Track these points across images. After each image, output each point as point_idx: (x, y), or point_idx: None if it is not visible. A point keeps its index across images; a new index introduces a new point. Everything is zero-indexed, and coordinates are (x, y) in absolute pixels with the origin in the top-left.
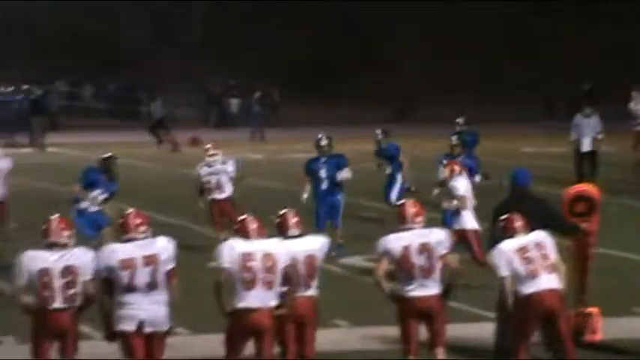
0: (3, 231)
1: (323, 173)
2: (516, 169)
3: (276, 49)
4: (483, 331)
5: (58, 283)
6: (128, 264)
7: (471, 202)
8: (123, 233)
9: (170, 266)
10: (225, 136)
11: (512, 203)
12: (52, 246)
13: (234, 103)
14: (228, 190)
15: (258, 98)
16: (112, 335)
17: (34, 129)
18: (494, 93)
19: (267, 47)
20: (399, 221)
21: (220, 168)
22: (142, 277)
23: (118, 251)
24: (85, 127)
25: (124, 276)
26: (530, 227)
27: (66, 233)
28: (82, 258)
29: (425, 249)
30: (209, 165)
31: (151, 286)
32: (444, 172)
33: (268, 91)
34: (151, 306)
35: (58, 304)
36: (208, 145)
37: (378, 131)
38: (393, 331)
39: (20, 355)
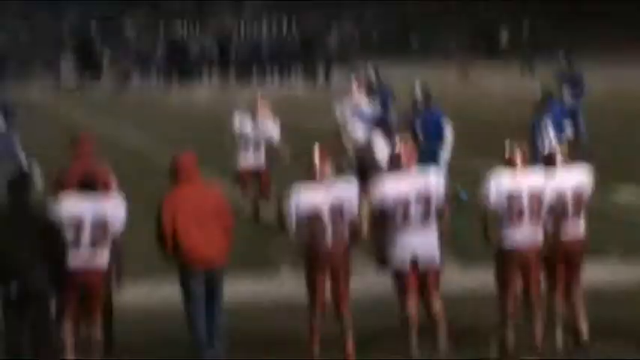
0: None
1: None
2: None
3: None
4: None
5: (327, 218)
6: (401, 200)
7: None
8: (396, 166)
9: (442, 200)
10: None
11: None
12: (317, 182)
13: None
14: None
15: None
16: (383, 269)
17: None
18: None
19: None
20: None
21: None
22: (415, 212)
23: (391, 187)
24: None
25: (397, 212)
26: None
27: (329, 167)
28: (347, 192)
29: None
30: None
31: (424, 221)
32: None
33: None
34: (423, 241)
35: (328, 239)
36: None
37: (370, 65)
38: None
39: (295, 286)
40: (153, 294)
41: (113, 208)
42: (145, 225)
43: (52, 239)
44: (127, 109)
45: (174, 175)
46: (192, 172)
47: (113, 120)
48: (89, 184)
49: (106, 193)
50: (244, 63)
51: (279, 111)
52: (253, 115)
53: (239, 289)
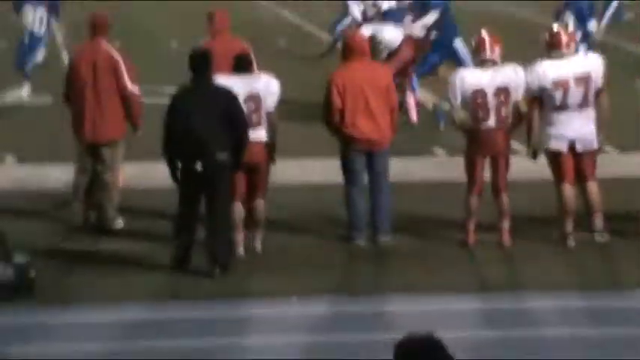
0: None
1: None
2: None
3: None
4: None
5: (491, 102)
6: (561, 84)
7: None
8: (552, 50)
9: (600, 84)
10: None
11: None
12: (484, 63)
13: None
14: None
15: None
16: (535, 153)
17: None
18: None
19: None
20: None
21: None
22: (574, 96)
23: (550, 71)
24: None
25: (557, 95)
26: None
27: (497, 50)
28: (513, 77)
29: None
30: None
31: (582, 105)
32: None
33: None
34: (581, 124)
35: (491, 123)
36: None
37: None
38: None
39: (451, 167)
40: (308, 170)
41: (266, 85)
42: (297, 103)
43: (235, 117)
44: None
45: (346, 52)
46: (363, 50)
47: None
48: (243, 65)
49: (257, 73)
50: None
51: None
52: None
53: (394, 169)
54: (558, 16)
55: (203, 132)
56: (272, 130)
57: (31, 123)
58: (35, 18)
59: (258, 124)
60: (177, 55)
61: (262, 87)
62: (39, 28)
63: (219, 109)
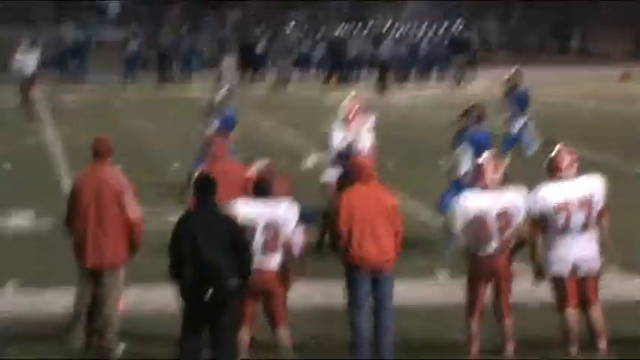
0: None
1: None
2: None
3: None
4: None
5: (493, 227)
6: (563, 207)
7: None
8: (553, 173)
9: (601, 206)
10: None
11: None
12: (486, 187)
13: None
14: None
15: None
16: (540, 276)
17: (457, 67)
18: None
19: None
20: None
21: None
22: (577, 219)
23: (552, 194)
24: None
25: (559, 219)
26: None
27: (500, 172)
28: (515, 200)
29: None
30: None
31: (584, 228)
32: None
33: None
34: (583, 247)
35: (493, 248)
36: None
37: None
38: None
39: (453, 290)
40: (315, 294)
41: (285, 212)
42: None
43: (237, 243)
44: (284, 107)
45: (353, 174)
46: (370, 173)
47: (270, 117)
48: (262, 190)
49: (277, 198)
50: (401, 64)
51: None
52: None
53: (396, 291)
54: (455, 144)
55: (212, 257)
56: (288, 256)
57: (32, 248)
58: None
59: (274, 251)
60: (178, 176)
61: (282, 214)
62: None
63: (223, 234)
